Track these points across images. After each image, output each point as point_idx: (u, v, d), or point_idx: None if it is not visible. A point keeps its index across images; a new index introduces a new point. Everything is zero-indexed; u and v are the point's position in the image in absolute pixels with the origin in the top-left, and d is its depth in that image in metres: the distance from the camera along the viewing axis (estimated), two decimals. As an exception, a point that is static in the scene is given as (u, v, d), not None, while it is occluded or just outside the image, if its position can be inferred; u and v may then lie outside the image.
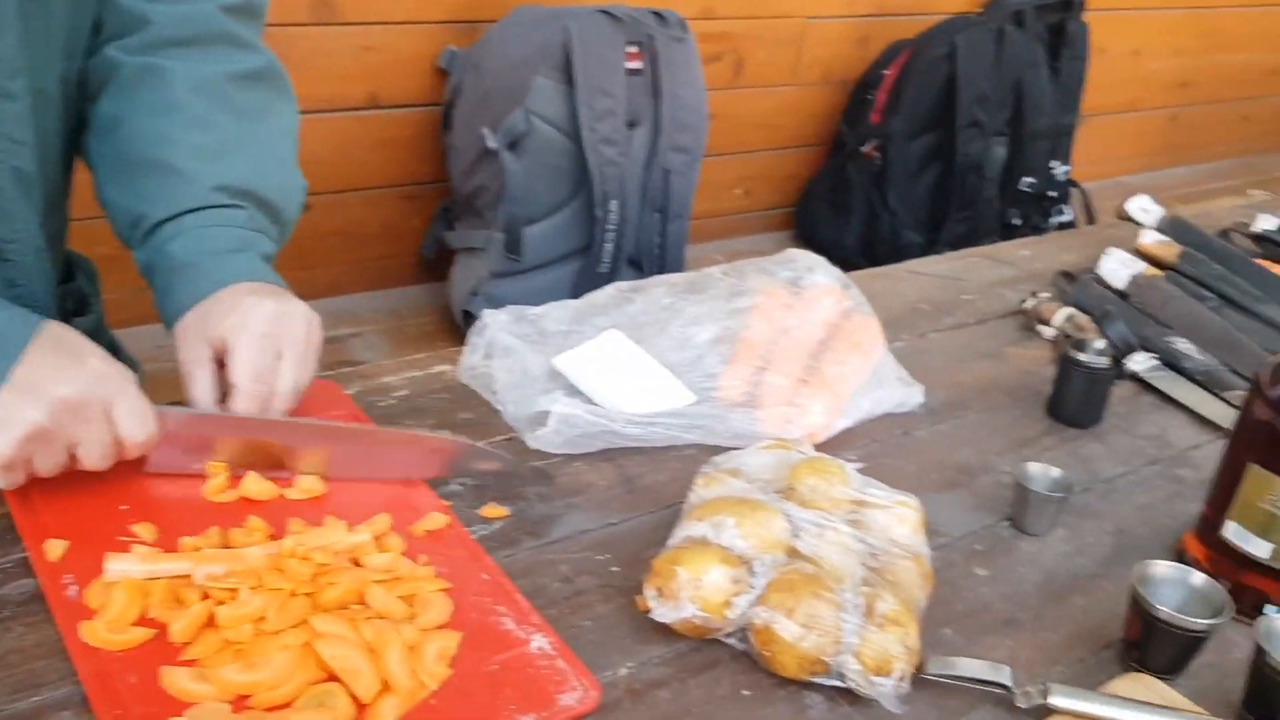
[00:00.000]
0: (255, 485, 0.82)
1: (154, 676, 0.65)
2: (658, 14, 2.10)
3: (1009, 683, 0.72)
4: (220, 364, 0.85)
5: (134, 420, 0.75)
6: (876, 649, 0.70)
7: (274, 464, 0.83)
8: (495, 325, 1.05)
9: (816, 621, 0.71)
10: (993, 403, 1.10)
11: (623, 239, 2.14)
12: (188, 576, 0.71)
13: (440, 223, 2.33)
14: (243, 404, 0.82)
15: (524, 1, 2.17)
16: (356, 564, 0.75)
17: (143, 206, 0.90)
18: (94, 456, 0.75)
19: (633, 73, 2.06)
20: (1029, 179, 2.72)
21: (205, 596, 0.70)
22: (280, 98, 1.00)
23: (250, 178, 0.92)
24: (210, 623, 0.69)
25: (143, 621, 0.69)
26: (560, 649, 0.72)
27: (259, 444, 0.83)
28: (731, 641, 0.75)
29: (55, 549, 0.73)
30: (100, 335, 1.09)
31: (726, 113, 2.72)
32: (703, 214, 2.79)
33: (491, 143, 2.03)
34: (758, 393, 1.02)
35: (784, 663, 0.72)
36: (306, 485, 0.83)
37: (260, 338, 0.83)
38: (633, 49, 2.06)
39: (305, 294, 2.55)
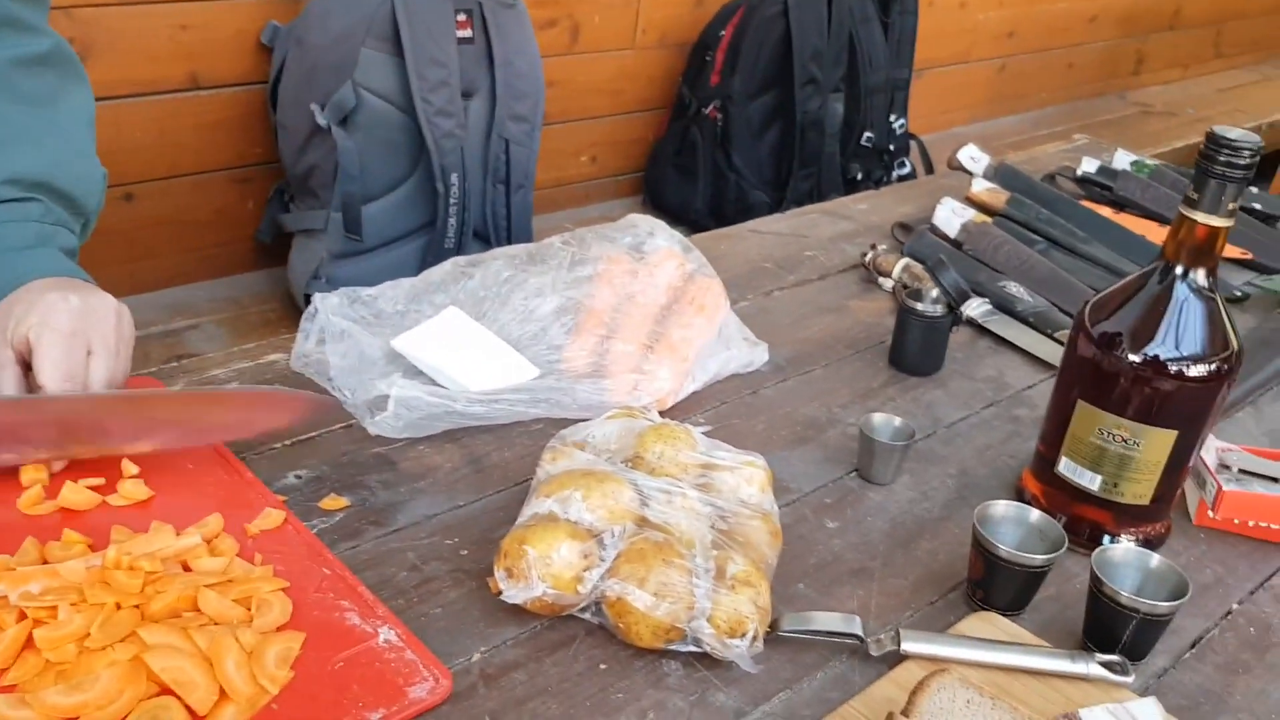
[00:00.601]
0: (74, 494, 0.77)
1: (-34, 709, 0.60)
2: (485, -19, 2.05)
3: (861, 633, 0.73)
4: (25, 366, 0.79)
5: None
6: (729, 611, 0.70)
7: (90, 446, 0.79)
8: (327, 309, 1.01)
9: (669, 589, 0.70)
10: (837, 356, 1.11)
11: (466, 213, 2.09)
12: (3, 597, 0.67)
13: (275, 205, 2.24)
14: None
15: (345, -29, 2.09)
16: (187, 569, 0.72)
17: None
18: None
19: (464, 41, 2.01)
20: (868, 134, 2.78)
21: (22, 617, 0.66)
22: (72, 83, 0.94)
23: (43, 168, 0.87)
24: (29, 644, 0.64)
25: (-52, 652, 0.64)
26: (409, 639, 0.69)
27: (69, 424, 0.77)
28: (586, 616, 0.74)
29: None
30: None
31: (567, 79, 2.69)
32: (551, 183, 2.76)
33: (321, 119, 1.95)
34: (604, 362, 1.01)
35: (639, 633, 0.71)
36: (129, 490, 0.78)
37: (67, 335, 0.78)
38: (462, 17, 2.00)
39: (136, 287, 2.43)
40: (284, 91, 2.08)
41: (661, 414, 0.92)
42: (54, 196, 0.88)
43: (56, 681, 0.62)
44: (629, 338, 1.03)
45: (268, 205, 2.29)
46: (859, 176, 2.75)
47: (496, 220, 2.18)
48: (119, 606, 0.67)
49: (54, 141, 0.90)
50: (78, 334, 0.78)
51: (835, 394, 1.05)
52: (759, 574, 0.73)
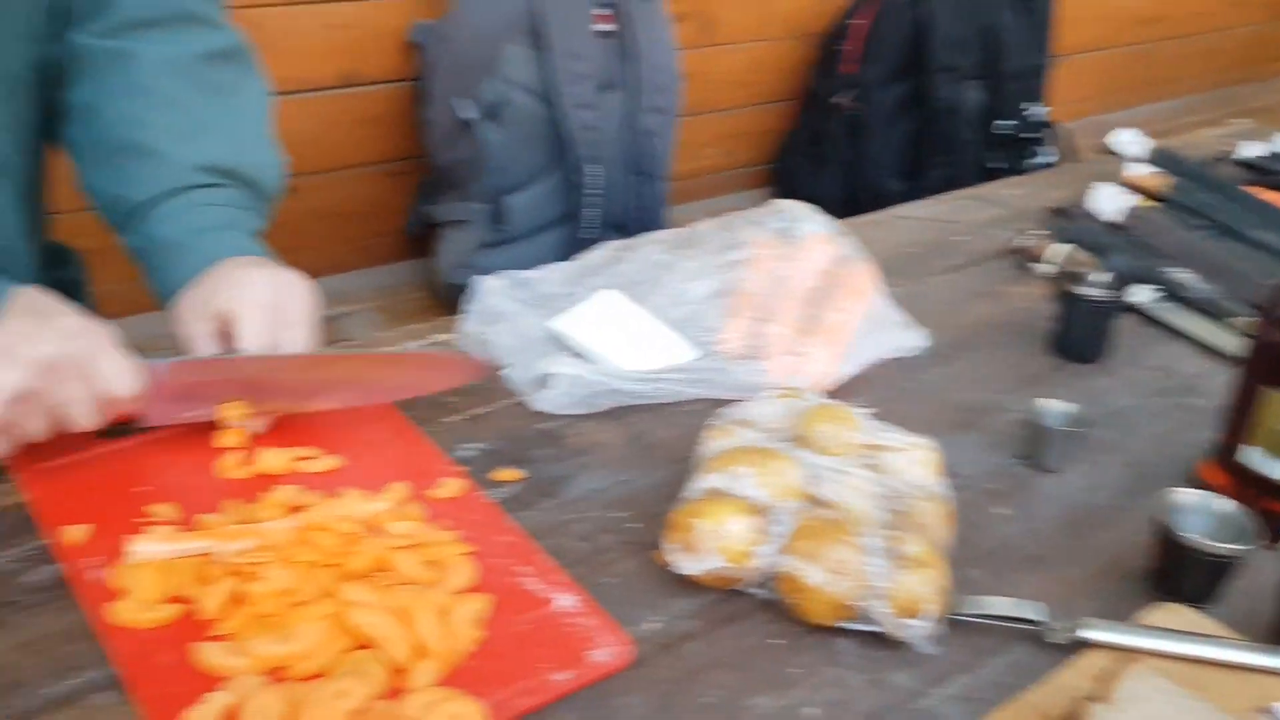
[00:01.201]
0: (271, 459, 0.81)
1: (187, 653, 0.65)
2: (623, -27, 2.08)
3: (1042, 618, 0.72)
4: (224, 338, 0.84)
5: (115, 374, 0.75)
6: (906, 591, 0.71)
7: (275, 403, 0.83)
8: (490, 291, 1.05)
9: (843, 566, 0.71)
10: (995, 341, 1.10)
11: (605, 203, 2.13)
12: (211, 554, 0.71)
13: (423, 198, 2.31)
14: None
15: (489, -31, 2.15)
16: (378, 533, 0.75)
17: (124, 190, 0.90)
18: (81, 414, 0.75)
19: (603, 35, 2.05)
20: (1006, 121, 2.72)
21: (231, 573, 0.70)
22: (250, 75, 0.99)
23: (230, 155, 0.92)
24: (239, 598, 0.69)
25: (171, 600, 0.68)
26: (588, 606, 0.72)
27: (255, 383, 0.82)
28: (757, 591, 0.75)
29: (74, 534, 0.73)
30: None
31: (699, 72, 2.70)
32: (682, 175, 2.78)
33: (467, 114, 2.01)
34: (760, 344, 1.02)
35: (812, 609, 0.72)
36: (320, 458, 0.83)
37: (265, 308, 0.83)
38: (601, 11, 2.04)
39: (297, 275, 2.51)
40: (432, 88, 2.15)
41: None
42: (240, 182, 0.93)
43: (265, 633, 0.66)
44: (783, 321, 1.04)
45: (415, 198, 2.36)
46: (998, 165, 2.69)
47: (633, 211, 2.21)
48: (319, 564, 0.70)
49: (237, 130, 0.95)
50: (274, 307, 0.83)
51: (996, 379, 1.03)
52: (935, 556, 0.73)
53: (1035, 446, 0.90)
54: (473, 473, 0.85)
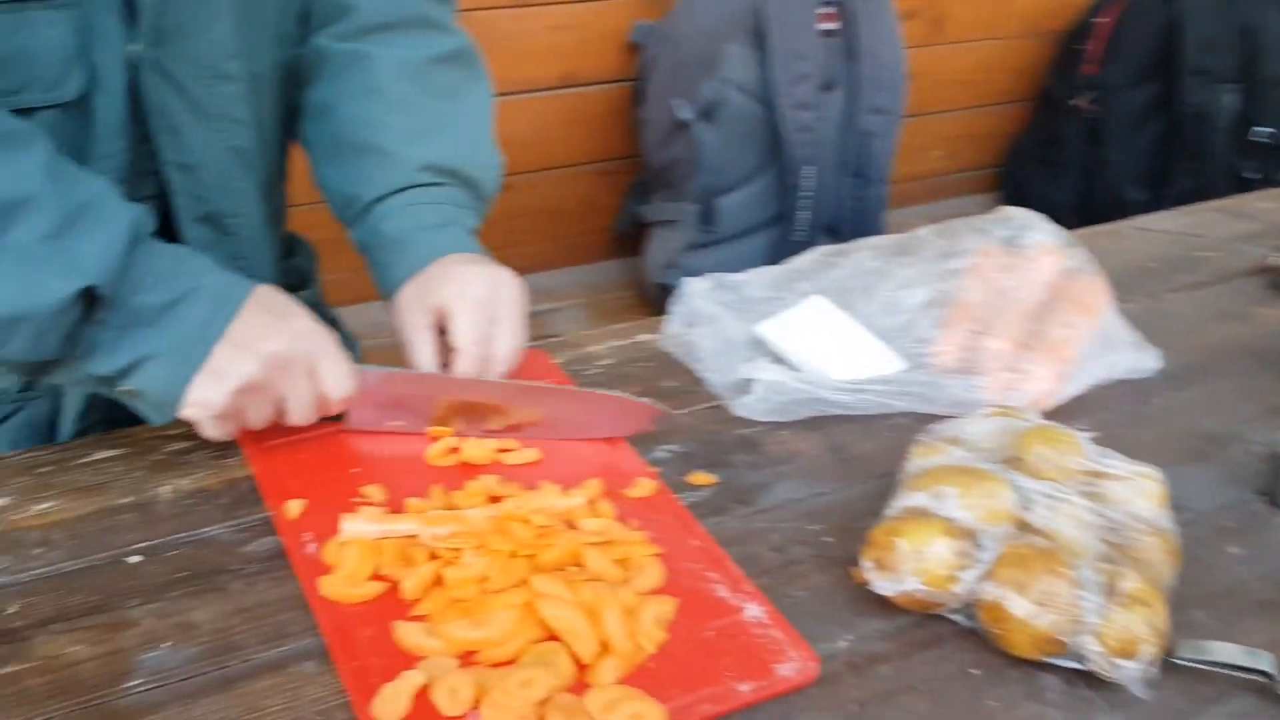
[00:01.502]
0: (475, 450, 0.84)
1: (388, 630, 0.67)
2: (852, -28, 2.04)
3: (1271, 670, 0.66)
4: (439, 331, 0.87)
5: (335, 376, 0.79)
6: (1120, 629, 0.66)
7: (474, 427, 0.86)
8: (696, 293, 1.04)
9: (1052, 599, 0.67)
10: (1239, 367, 1.01)
11: (819, 205, 2.09)
12: (415, 536, 0.74)
13: (634, 197, 2.34)
14: (464, 366, 0.85)
15: (715, -30, 2.15)
16: (571, 528, 0.76)
17: (355, 187, 0.94)
18: (300, 410, 0.79)
19: (827, 34, 2.01)
20: (1263, 129, 2.51)
21: (432, 556, 0.72)
22: (476, 77, 1.03)
23: (452, 156, 0.95)
24: (438, 582, 0.71)
25: (375, 577, 0.71)
26: (775, 618, 0.70)
27: (455, 402, 0.85)
28: (956, 618, 0.72)
29: (294, 508, 0.77)
30: (320, 311, 1.15)
31: (925, 71, 2.62)
32: (902, 178, 2.70)
33: (684, 114, 2.02)
34: (976, 358, 0.97)
35: (1016, 642, 0.68)
36: (521, 451, 0.84)
37: (478, 303, 0.86)
38: (827, 9, 2.00)
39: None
40: (650, 88, 2.17)
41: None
42: (460, 182, 0.96)
43: (461, 617, 0.68)
44: (1003, 334, 0.99)
45: (627, 198, 2.40)
46: (1254, 175, 2.48)
47: (848, 214, 2.16)
48: (514, 555, 0.72)
49: (463, 132, 0.98)
50: (487, 303, 0.86)
51: (1237, 408, 0.95)
52: (1155, 594, 0.67)
53: (1277, 482, 0.82)
54: (666, 475, 0.84)
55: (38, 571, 0.71)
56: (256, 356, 0.75)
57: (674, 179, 2.15)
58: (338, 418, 0.84)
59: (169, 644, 0.66)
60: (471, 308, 0.85)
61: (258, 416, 0.78)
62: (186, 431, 0.86)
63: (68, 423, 0.87)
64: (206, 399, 0.75)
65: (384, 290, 0.92)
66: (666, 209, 2.18)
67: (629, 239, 2.43)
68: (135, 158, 0.83)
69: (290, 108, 1.00)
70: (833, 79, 2.07)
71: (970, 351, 0.98)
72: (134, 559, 0.73)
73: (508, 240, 2.39)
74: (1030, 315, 1.01)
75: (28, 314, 0.70)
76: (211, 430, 0.78)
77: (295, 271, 1.11)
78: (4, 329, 0.70)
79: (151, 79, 0.80)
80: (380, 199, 0.93)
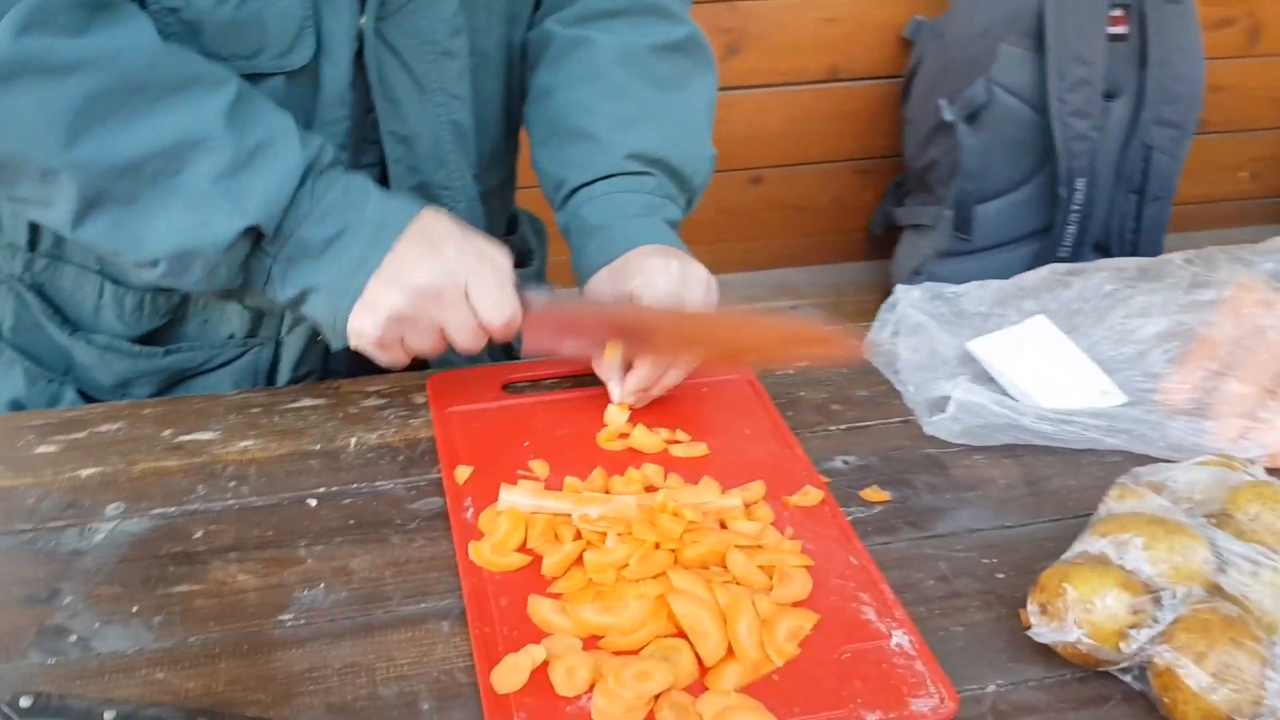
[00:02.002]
0: (644, 438, 0.84)
1: (522, 603, 0.68)
2: (1152, -28, 1.88)
3: None
4: None
5: (490, 303, 0.79)
6: (1310, 721, 0.57)
7: (632, 348, 0.86)
8: (907, 301, 1.00)
9: (1233, 673, 0.59)
10: None
11: (1089, 221, 1.95)
12: (567, 515, 0.75)
13: (890, 198, 2.27)
14: (645, 368, 0.85)
15: (998, -35, 2.04)
16: (723, 527, 0.75)
17: (563, 172, 0.95)
18: (462, 337, 0.80)
19: (1115, 38, 1.87)
20: None
21: (578, 536, 0.73)
22: (700, 68, 1.01)
23: (662, 146, 0.94)
24: (578, 562, 0.71)
25: (522, 549, 0.73)
26: (921, 650, 0.66)
27: (626, 328, 0.85)
28: (1127, 679, 0.65)
29: (462, 474, 0.80)
30: (541, 285, 1.18)
31: (1235, 85, 2.39)
32: (1196, 198, 2.48)
33: (948, 114, 1.93)
34: (1210, 401, 0.88)
35: (1186, 714, 0.61)
36: (689, 445, 0.84)
37: (665, 297, 0.85)
38: (1117, 12, 1.86)
39: (750, 264, 2.61)
40: (917, 86, 2.09)
41: (1270, 472, 0.78)
42: (667, 172, 0.96)
43: (593, 600, 0.68)
44: (1248, 378, 0.88)
45: (883, 198, 2.33)
46: None
47: (1122, 233, 2.00)
48: (657, 546, 0.71)
49: (675, 123, 0.97)
50: (673, 296, 0.85)
51: None
52: (1362, 688, 0.58)
53: None
54: (838, 486, 0.81)
55: (228, 503, 0.77)
56: (405, 289, 0.77)
57: (931, 182, 2.07)
58: (512, 352, 0.85)
59: (323, 585, 0.70)
60: (659, 301, 0.84)
61: (420, 343, 0.80)
62: (382, 389, 0.91)
63: (285, 371, 0.94)
64: (361, 329, 0.78)
65: (579, 276, 0.93)
66: (920, 212, 2.10)
67: (881, 242, 2.36)
68: (359, 126, 0.88)
69: (517, 88, 1.03)
70: (1117, 87, 1.92)
71: (1205, 393, 0.89)
72: (312, 502, 0.78)
73: (755, 233, 2.38)
74: (1285, 359, 0.90)
75: (198, 249, 0.76)
76: (380, 357, 0.81)
77: (517, 247, 1.15)
78: (179, 262, 0.77)
79: (377, 51, 0.84)
80: (585, 185, 0.94)
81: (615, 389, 0.87)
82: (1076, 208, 1.94)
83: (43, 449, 0.82)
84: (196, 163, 0.75)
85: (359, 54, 0.84)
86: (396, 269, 0.78)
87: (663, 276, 0.86)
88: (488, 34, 0.93)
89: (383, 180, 0.91)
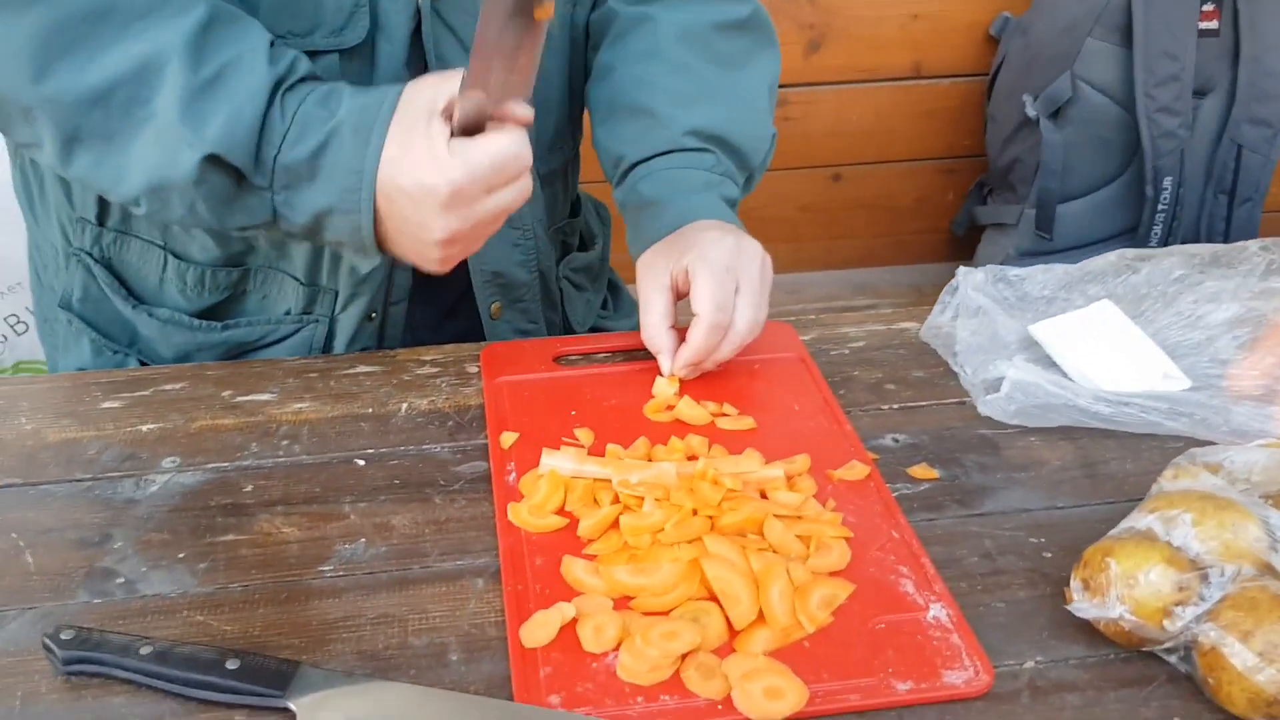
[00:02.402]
0: (690, 410, 0.84)
1: (557, 562, 0.69)
2: (1247, -35, 1.82)
3: None
4: (677, 295, 0.87)
5: (506, 137, 0.74)
6: (1362, 704, 0.55)
7: None
8: (969, 284, 0.98)
9: (1279, 652, 0.57)
10: None
11: (1176, 222, 1.89)
12: (608, 481, 0.75)
13: (974, 197, 2.23)
14: (702, 333, 0.84)
15: (1089, -40, 2.00)
16: (764, 497, 0.74)
17: (622, 148, 0.96)
18: (509, 204, 0.76)
19: (1206, 34, 1.81)
20: None
21: (616, 500, 0.73)
22: (763, 48, 1.01)
23: (721, 123, 0.94)
24: (615, 525, 0.72)
25: (560, 512, 0.73)
26: (959, 624, 0.65)
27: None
28: (1172, 659, 0.63)
29: (508, 439, 0.81)
30: (602, 270, 1.19)
31: (1341, 85, 2.29)
32: (1293, 203, 2.39)
33: (1031, 111, 1.89)
34: (1278, 387, 0.85)
35: (1231, 695, 0.59)
36: (736, 418, 0.83)
37: (721, 270, 0.84)
38: (1209, 7, 1.80)
39: (830, 263, 2.58)
40: (1001, 82, 2.06)
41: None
42: (726, 150, 0.96)
43: (627, 563, 0.68)
44: (1321, 365, 0.85)
45: (967, 197, 2.29)
46: None
47: (1211, 234, 1.94)
48: (695, 513, 0.71)
49: (736, 101, 0.97)
50: (730, 270, 0.84)
51: None
52: None
53: None
54: (886, 463, 0.80)
55: (279, 460, 0.79)
56: (405, 198, 0.73)
57: (1014, 180, 2.03)
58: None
59: (364, 540, 0.72)
60: (714, 275, 0.84)
61: (479, 237, 0.78)
62: (437, 359, 0.92)
63: (339, 347, 0.96)
64: (406, 249, 0.76)
65: (634, 250, 0.93)
66: (1002, 211, 2.05)
67: (963, 242, 2.32)
68: None
69: (581, 69, 1.04)
70: (1208, 84, 1.86)
71: (1275, 380, 0.86)
72: (360, 462, 0.79)
73: (837, 230, 2.36)
74: (1365, 348, 0.87)
75: (168, 183, 0.74)
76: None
77: (579, 230, 1.16)
78: (156, 198, 0.75)
79: (435, 29, 0.86)
80: (643, 161, 0.94)
81: (665, 361, 0.87)
82: (1163, 208, 1.88)
83: (107, 404, 0.85)
84: (163, 90, 0.72)
85: (416, 32, 0.86)
86: (391, 176, 0.73)
87: (718, 250, 0.85)
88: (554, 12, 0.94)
89: None
